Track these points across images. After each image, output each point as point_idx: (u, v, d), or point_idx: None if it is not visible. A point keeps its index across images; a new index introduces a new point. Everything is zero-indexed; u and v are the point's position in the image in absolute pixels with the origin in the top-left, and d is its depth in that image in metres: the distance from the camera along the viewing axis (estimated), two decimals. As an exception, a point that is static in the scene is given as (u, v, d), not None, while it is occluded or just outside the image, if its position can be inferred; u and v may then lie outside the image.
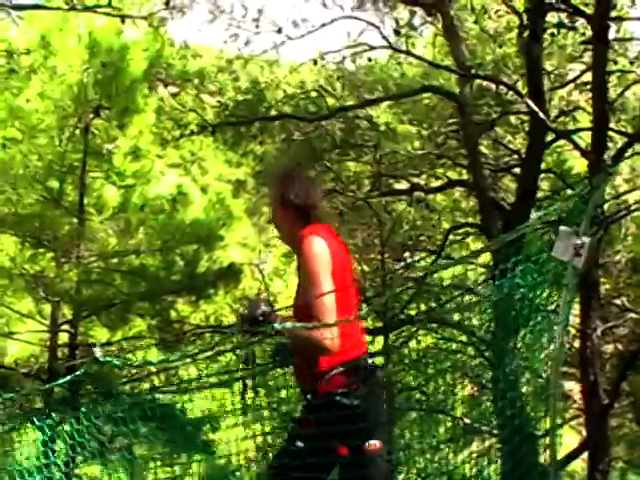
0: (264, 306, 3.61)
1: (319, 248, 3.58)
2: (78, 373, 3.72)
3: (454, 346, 4.25)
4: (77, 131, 12.31)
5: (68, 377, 3.72)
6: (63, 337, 13.03)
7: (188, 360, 4.23)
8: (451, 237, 14.15)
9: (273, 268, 18.76)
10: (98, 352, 4.17)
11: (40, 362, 13.89)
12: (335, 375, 3.53)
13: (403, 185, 15.08)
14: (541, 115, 11.00)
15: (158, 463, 6.03)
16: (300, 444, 3.61)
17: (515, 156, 14.24)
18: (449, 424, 4.62)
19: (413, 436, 3.96)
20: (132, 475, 6.18)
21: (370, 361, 3.69)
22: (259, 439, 4.83)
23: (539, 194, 12.41)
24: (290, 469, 3.56)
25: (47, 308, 13.14)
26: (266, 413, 5.21)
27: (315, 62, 14.19)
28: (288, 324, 3.50)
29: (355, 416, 3.46)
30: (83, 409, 5.04)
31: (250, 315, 3.60)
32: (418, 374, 4.23)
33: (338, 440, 3.52)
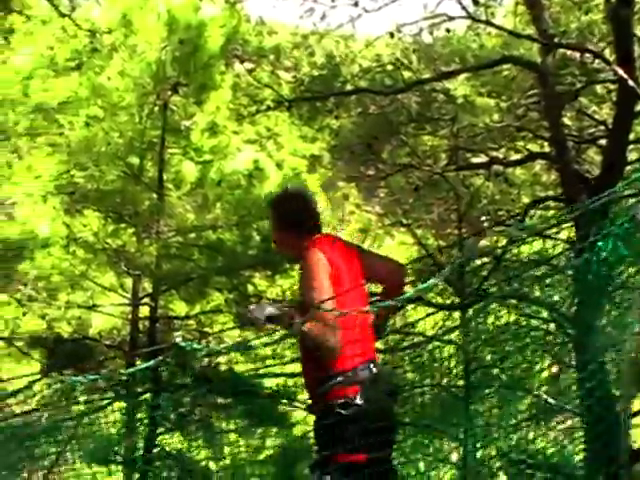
0: (270, 308, 3.59)
1: (316, 257, 3.63)
2: (158, 359, 3.76)
3: (534, 322, 4.14)
4: (156, 108, 12.50)
5: (149, 363, 3.76)
6: (144, 310, 13.32)
7: (265, 339, 4.23)
8: (531, 212, 13.83)
9: (349, 241, 18.76)
10: (178, 338, 4.21)
11: (122, 334, 14.26)
12: (335, 385, 3.52)
13: (481, 159, 14.78)
14: (631, 83, 10.55)
15: (236, 435, 6.10)
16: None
17: (601, 127, 13.75)
18: (530, 402, 4.52)
19: (492, 414, 3.89)
20: (211, 446, 6.27)
21: (375, 369, 3.64)
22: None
23: (627, 167, 11.97)
24: None
25: (128, 282, 13.46)
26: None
27: (391, 35, 13.98)
28: (298, 320, 3.48)
29: (355, 425, 3.44)
30: (164, 382, 5.14)
31: (256, 319, 3.57)
32: (496, 350, 4.15)
33: (344, 450, 3.46)
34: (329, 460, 3.50)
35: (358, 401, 3.49)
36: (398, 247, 17.39)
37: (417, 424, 4.39)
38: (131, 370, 6.15)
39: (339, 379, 3.52)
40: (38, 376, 13.84)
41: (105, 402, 5.86)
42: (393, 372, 4.29)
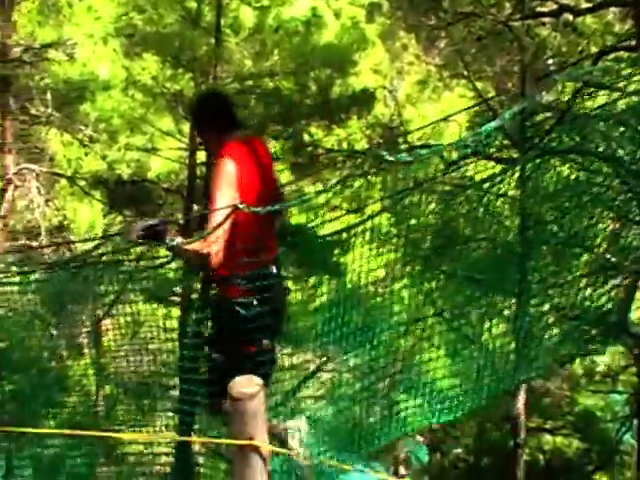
0: (152, 222, 3.85)
1: (224, 168, 3.88)
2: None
3: (597, 179, 4.03)
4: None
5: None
6: (201, 156, 13.43)
7: (321, 187, 4.24)
8: (600, 64, 13.20)
9: (406, 95, 18.27)
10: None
11: (180, 179, 14.47)
12: (234, 284, 3.81)
13: (548, 7, 14.01)
14: None
15: (290, 282, 6.23)
16: (215, 356, 4.00)
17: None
18: (588, 259, 4.48)
19: (548, 270, 3.89)
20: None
21: (274, 268, 3.95)
22: (385, 260, 4.89)
23: None
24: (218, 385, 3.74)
25: (186, 127, 13.50)
26: (395, 239, 5.22)
27: None
28: (177, 240, 3.76)
29: (252, 322, 3.78)
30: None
31: (138, 229, 3.84)
32: (555, 206, 4.09)
33: (241, 342, 3.84)
34: (224, 346, 3.94)
35: (255, 303, 3.83)
36: (457, 100, 16.95)
37: (471, 278, 4.44)
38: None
39: (238, 280, 3.80)
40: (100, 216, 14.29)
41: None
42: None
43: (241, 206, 3.54)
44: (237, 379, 3.06)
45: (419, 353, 4.46)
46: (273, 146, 13.32)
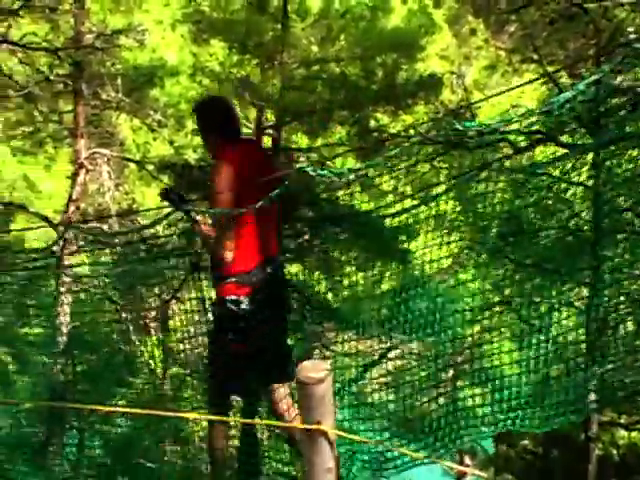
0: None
1: (222, 170, 4.11)
2: (283, 185, 3.80)
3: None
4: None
5: (278, 191, 3.80)
6: (267, 141, 13.49)
7: (388, 165, 4.21)
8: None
9: (473, 80, 18.03)
10: (306, 165, 4.23)
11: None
12: (229, 283, 4.03)
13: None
14: None
15: (354, 268, 6.21)
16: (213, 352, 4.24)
17: None
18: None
19: (623, 259, 3.79)
20: (328, 276, 6.45)
21: (270, 268, 4.12)
22: (451, 247, 4.83)
23: None
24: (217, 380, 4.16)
25: (252, 113, 13.59)
26: (461, 226, 5.16)
27: None
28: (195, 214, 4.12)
29: (244, 320, 3.99)
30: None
31: (170, 194, 4.23)
32: (631, 195, 3.97)
33: (233, 341, 4.06)
34: (220, 342, 4.15)
35: (245, 302, 4.03)
36: (527, 86, 16.62)
37: (540, 267, 4.36)
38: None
39: (233, 279, 4.03)
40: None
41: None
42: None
43: (241, 210, 3.85)
44: (304, 363, 3.07)
45: (485, 343, 4.40)
46: (338, 132, 13.30)
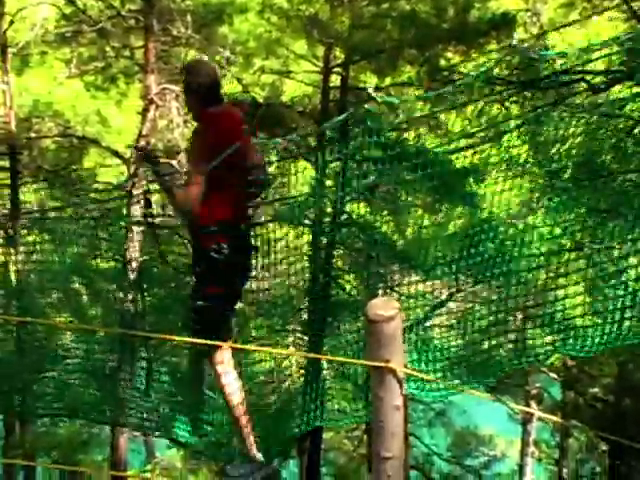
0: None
1: (203, 134, 4.47)
2: (349, 113, 3.75)
3: None
4: None
5: (340, 117, 3.78)
6: (335, 80, 13.35)
7: (456, 103, 4.13)
8: None
9: (548, 19, 17.35)
10: (371, 90, 4.18)
11: (313, 102, 14.48)
12: (211, 232, 4.37)
13: None
14: None
15: (421, 210, 6.16)
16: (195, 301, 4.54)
17: None
18: None
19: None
20: (396, 219, 6.42)
21: (243, 226, 4.51)
22: (521, 190, 4.75)
23: None
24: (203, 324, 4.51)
25: (320, 51, 13.43)
26: (533, 169, 5.04)
27: None
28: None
29: (224, 264, 4.39)
30: (352, 150, 5.18)
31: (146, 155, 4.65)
32: None
33: (214, 285, 4.45)
34: (201, 291, 4.51)
35: (225, 248, 4.38)
36: (607, 24, 15.93)
37: (615, 212, 4.25)
38: (322, 127, 6.23)
39: (214, 228, 4.38)
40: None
41: (292, 163, 6.05)
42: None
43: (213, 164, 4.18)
44: (373, 301, 3.08)
45: (556, 288, 4.34)
46: (407, 71, 13.07)
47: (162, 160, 4.76)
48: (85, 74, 16.16)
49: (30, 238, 5.98)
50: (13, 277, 6.12)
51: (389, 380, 2.96)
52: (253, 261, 4.78)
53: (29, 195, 16.12)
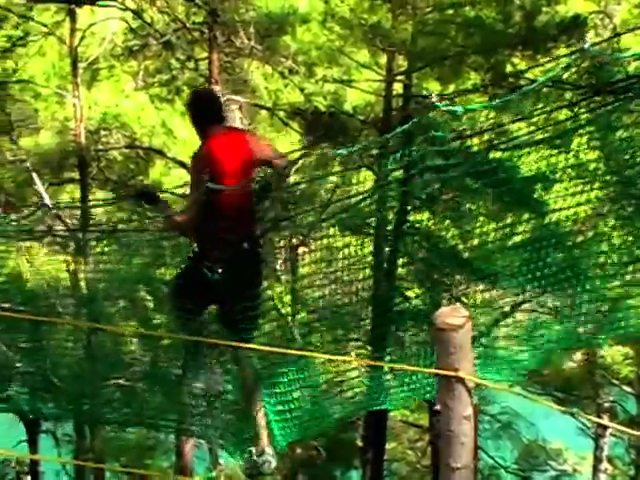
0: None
1: (202, 157, 4.72)
2: (413, 122, 3.71)
3: None
4: None
5: (403, 127, 3.74)
6: (397, 88, 13.28)
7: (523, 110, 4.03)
8: None
9: (622, 20, 16.89)
10: (434, 98, 4.12)
11: (375, 111, 14.43)
12: (205, 251, 4.65)
13: None
14: None
15: (486, 219, 6.06)
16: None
17: None
18: None
19: None
20: (460, 227, 6.32)
21: (246, 244, 4.67)
22: (591, 198, 4.62)
23: None
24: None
25: (383, 59, 13.38)
26: (604, 176, 4.90)
27: None
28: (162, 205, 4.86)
29: (212, 286, 4.62)
30: (415, 158, 5.13)
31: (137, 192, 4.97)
32: None
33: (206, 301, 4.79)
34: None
35: (218, 274, 4.61)
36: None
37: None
38: (386, 136, 6.19)
39: (211, 252, 4.61)
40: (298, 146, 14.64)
41: (354, 173, 6.02)
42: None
43: (211, 185, 4.44)
44: (441, 309, 3.03)
45: (629, 298, 4.20)
46: (472, 78, 12.92)
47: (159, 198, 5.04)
48: (151, 86, 16.48)
49: (99, 248, 6.10)
50: (83, 286, 6.26)
51: (458, 389, 2.91)
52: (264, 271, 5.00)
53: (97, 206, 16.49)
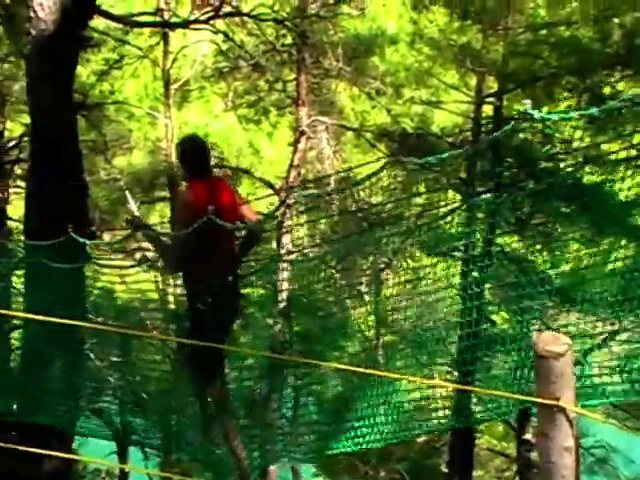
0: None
1: (185, 200, 5.27)
2: (496, 135, 3.61)
3: None
4: None
5: (494, 134, 3.64)
6: (487, 109, 13.11)
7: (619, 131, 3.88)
8: None
9: None
10: (528, 105, 3.99)
11: (464, 133, 14.27)
12: (198, 287, 5.03)
13: None
14: None
15: (578, 244, 5.87)
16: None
17: None
18: None
19: None
20: (550, 252, 6.14)
21: (230, 278, 5.11)
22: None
23: None
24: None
25: (472, 80, 13.24)
26: None
27: None
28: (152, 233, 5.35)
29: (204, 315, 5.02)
30: (504, 181, 5.01)
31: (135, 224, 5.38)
32: None
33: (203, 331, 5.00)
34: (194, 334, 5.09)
35: (209, 301, 4.99)
36: None
37: None
38: (468, 148, 6.05)
39: (199, 285, 5.03)
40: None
41: (441, 194, 5.93)
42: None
43: (214, 219, 4.74)
44: (542, 336, 2.91)
45: None
46: (566, 100, 12.62)
47: (152, 228, 5.56)
48: (239, 107, 16.76)
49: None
50: (172, 301, 6.39)
51: (559, 419, 2.78)
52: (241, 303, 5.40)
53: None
